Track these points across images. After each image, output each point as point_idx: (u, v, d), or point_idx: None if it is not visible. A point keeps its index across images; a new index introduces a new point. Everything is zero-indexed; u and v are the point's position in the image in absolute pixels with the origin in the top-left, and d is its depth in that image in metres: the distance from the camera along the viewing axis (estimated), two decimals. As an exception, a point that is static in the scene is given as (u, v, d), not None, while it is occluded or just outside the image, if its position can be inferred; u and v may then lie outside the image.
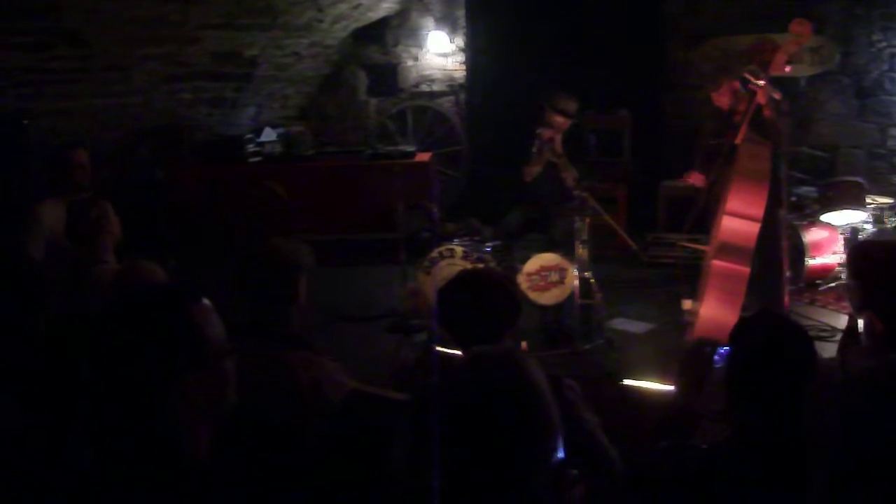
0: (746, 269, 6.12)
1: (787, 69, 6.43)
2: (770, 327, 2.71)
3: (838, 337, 6.56)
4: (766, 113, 6.41)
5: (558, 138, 7.55)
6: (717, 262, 6.18)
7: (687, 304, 6.78)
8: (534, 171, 7.62)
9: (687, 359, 2.98)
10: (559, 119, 7.51)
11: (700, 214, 6.93)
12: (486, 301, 3.39)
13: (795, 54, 6.50)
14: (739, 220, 6.17)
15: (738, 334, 2.74)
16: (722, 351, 2.96)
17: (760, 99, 6.34)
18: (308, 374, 3.08)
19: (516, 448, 2.16)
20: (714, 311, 6.14)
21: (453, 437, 2.19)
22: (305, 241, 3.76)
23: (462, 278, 3.72)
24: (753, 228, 6.16)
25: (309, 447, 2.91)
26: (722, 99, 6.86)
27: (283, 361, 3.13)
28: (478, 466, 2.19)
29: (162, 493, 1.98)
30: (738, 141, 6.36)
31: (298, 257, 3.39)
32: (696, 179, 7.24)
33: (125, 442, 2.03)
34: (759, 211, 6.16)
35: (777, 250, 6.66)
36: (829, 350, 5.97)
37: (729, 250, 6.16)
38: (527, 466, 2.18)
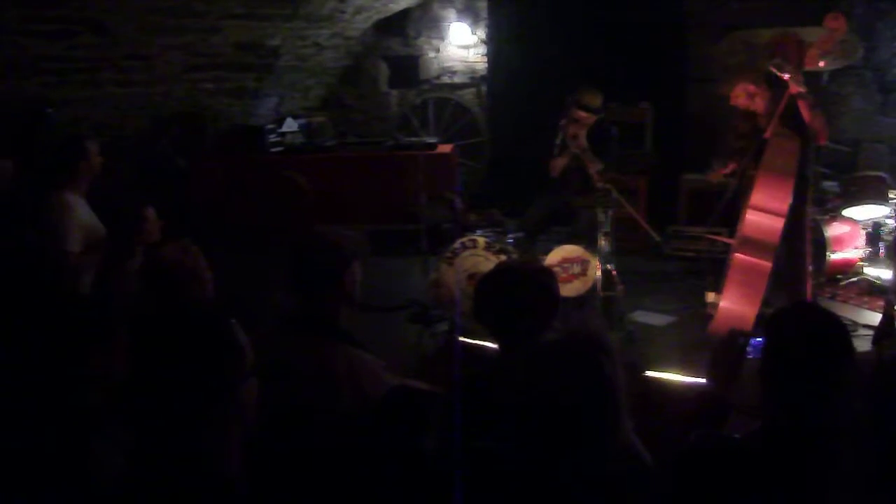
0: (768, 265, 6.11)
1: (822, 64, 6.37)
2: (807, 318, 2.70)
3: (860, 332, 6.59)
4: (802, 108, 6.35)
5: (583, 133, 7.52)
6: (738, 256, 6.20)
7: (710, 296, 6.79)
8: (559, 164, 7.62)
9: (719, 349, 2.96)
10: (583, 115, 7.48)
11: (727, 208, 6.90)
12: (525, 295, 3.34)
13: (830, 48, 6.42)
14: (763, 214, 6.17)
15: (775, 325, 2.72)
16: (755, 342, 2.95)
17: (792, 90, 6.28)
18: (347, 370, 3.06)
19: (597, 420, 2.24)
20: (733, 303, 6.16)
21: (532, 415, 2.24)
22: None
23: (500, 272, 3.66)
24: (777, 224, 6.14)
25: (344, 441, 2.90)
26: (738, 100, 6.81)
27: (322, 354, 3.11)
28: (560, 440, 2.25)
29: None
30: (767, 135, 6.33)
31: (347, 248, 3.34)
32: (714, 176, 7.20)
33: (164, 459, 2.03)
34: (783, 206, 6.15)
35: (802, 245, 6.64)
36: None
37: (752, 244, 6.16)
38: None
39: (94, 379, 2.86)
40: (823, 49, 6.37)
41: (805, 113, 6.35)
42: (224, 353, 2.13)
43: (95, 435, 2.66)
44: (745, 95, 6.72)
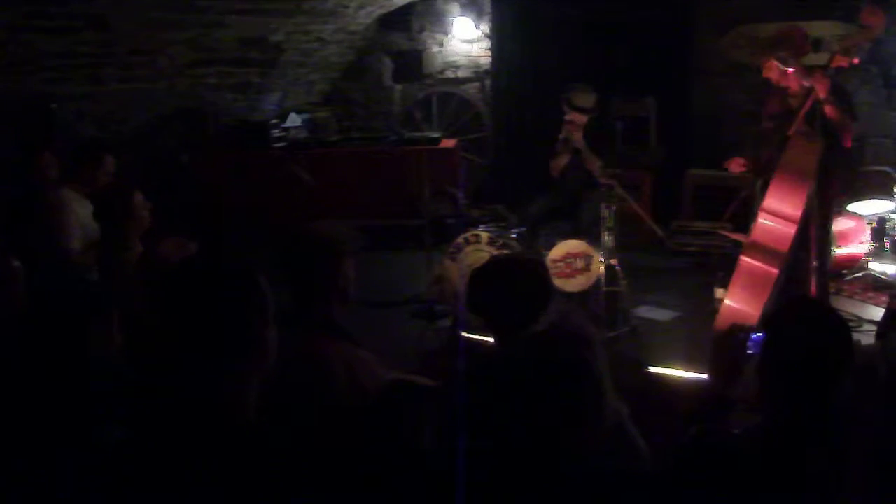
0: (775, 271, 5.93)
1: (855, 61, 6.20)
2: (807, 314, 2.69)
3: (864, 327, 6.57)
4: (828, 110, 6.19)
5: (578, 133, 7.50)
6: (744, 259, 6.02)
7: (719, 292, 6.71)
8: (560, 164, 7.59)
9: (720, 345, 2.95)
10: (576, 116, 7.46)
11: (743, 204, 6.77)
12: (518, 286, 3.37)
13: (864, 45, 6.25)
14: (774, 219, 5.97)
15: (775, 321, 2.71)
16: (755, 337, 2.94)
17: (820, 93, 6.13)
18: (344, 365, 3.05)
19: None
20: (737, 305, 6.06)
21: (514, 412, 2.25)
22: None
23: (494, 263, 3.70)
24: (788, 230, 5.93)
25: (342, 438, 2.89)
26: (770, 73, 6.60)
27: (318, 350, 3.09)
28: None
29: (216, 455, 1.99)
30: (790, 132, 6.17)
31: (340, 242, 3.31)
32: (734, 166, 7.00)
33: (177, 405, 2.04)
34: (796, 211, 5.88)
35: (807, 241, 6.57)
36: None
37: (759, 250, 5.96)
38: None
39: (94, 360, 2.87)
40: (857, 45, 6.22)
41: (831, 113, 6.19)
42: (250, 299, 2.14)
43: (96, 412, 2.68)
44: (778, 70, 6.51)
